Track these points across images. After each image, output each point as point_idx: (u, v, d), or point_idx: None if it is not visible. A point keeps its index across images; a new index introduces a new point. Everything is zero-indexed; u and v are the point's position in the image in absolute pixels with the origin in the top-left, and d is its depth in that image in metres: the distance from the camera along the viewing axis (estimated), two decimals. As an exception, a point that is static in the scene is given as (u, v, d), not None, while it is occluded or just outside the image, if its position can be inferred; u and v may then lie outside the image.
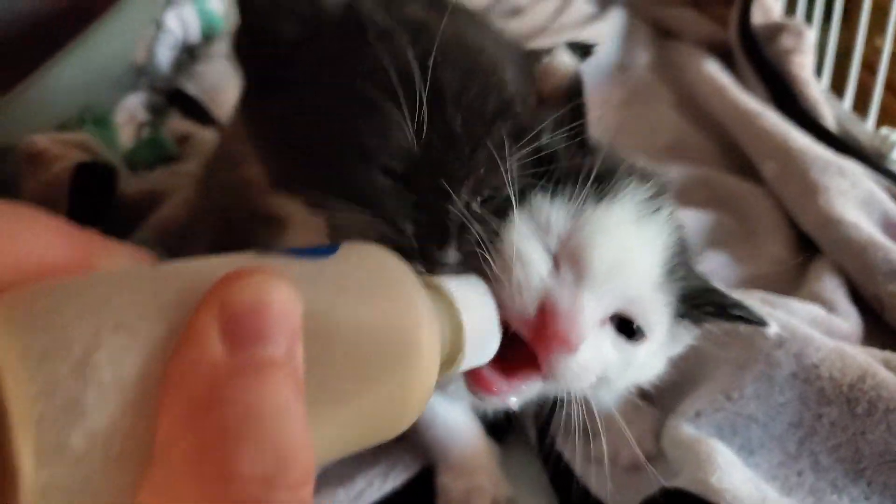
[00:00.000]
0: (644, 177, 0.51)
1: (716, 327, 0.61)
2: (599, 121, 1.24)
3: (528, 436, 0.64)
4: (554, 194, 0.47)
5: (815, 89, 1.10)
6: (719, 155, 1.09)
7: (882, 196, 0.86)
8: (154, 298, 0.28)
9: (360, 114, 0.41)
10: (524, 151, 0.45)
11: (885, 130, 0.99)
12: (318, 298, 0.30)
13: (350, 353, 0.31)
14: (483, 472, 0.59)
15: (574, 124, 0.49)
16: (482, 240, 0.43)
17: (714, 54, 1.25)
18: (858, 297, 0.77)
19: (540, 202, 0.47)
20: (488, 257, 0.44)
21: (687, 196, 0.99)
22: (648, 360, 0.50)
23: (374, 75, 0.41)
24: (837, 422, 0.55)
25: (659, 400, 0.64)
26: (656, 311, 0.47)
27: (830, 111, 1.07)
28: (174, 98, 1.14)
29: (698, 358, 0.63)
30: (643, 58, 1.35)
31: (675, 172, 1.02)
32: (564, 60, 0.52)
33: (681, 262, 0.49)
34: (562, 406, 0.64)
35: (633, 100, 1.29)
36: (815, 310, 0.70)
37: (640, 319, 0.47)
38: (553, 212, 0.46)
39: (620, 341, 0.47)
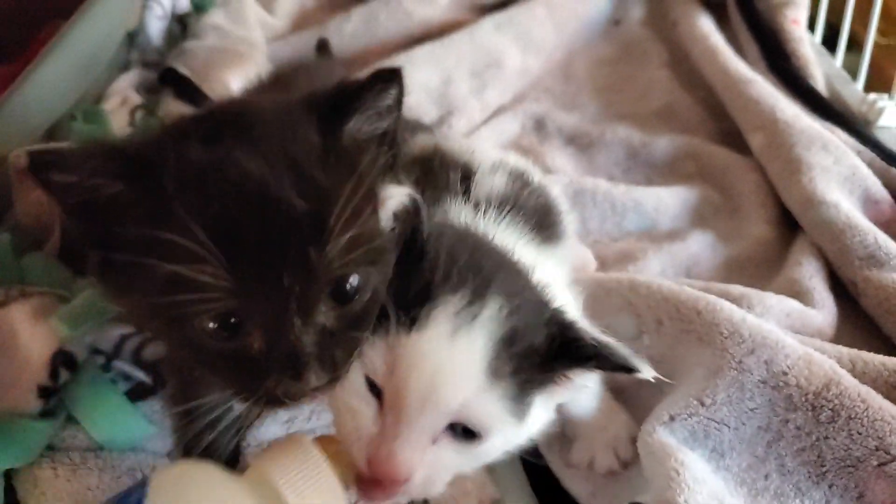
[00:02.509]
0: (461, 279, 0.48)
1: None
2: (591, 80, 1.25)
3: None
4: (375, 328, 0.47)
5: (808, 47, 1.09)
6: (709, 121, 1.09)
7: (864, 172, 0.87)
8: None
9: (169, 281, 0.39)
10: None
11: (873, 96, 0.99)
12: None
13: None
14: (468, 475, 0.63)
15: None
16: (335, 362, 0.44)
17: (708, 8, 1.23)
18: (837, 281, 0.79)
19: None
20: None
21: (674, 170, 1.00)
22: (509, 439, 0.50)
23: (166, 235, 0.39)
24: (803, 427, 0.58)
25: (640, 399, 0.67)
26: (488, 409, 0.47)
27: (821, 71, 1.07)
28: (165, 78, 1.14)
29: (675, 360, 0.66)
30: (637, 12, 1.33)
31: (663, 143, 1.03)
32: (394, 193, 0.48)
33: (517, 350, 0.48)
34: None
35: (625, 57, 1.28)
36: (790, 304, 0.72)
37: (471, 424, 0.47)
38: (373, 350, 0.47)
39: (462, 444, 0.48)
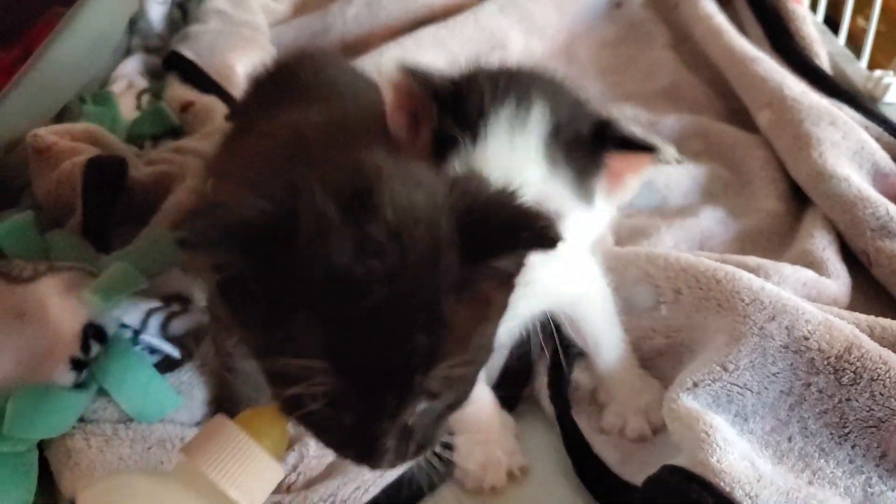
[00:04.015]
0: (505, 92, 0.55)
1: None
2: (595, 62, 1.25)
3: (542, 405, 0.68)
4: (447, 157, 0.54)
5: (811, 26, 1.10)
6: (715, 100, 1.10)
7: (873, 146, 0.88)
8: None
9: (279, 341, 0.42)
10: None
11: (878, 73, 1.00)
12: None
13: None
14: (498, 443, 0.64)
15: None
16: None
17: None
18: (848, 252, 0.81)
19: None
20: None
21: (682, 148, 1.00)
22: (582, 225, 0.57)
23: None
24: (825, 390, 0.59)
25: (659, 370, 0.69)
26: (556, 191, 0.54)
27: (825, 49, 1.08)
28: (171, 62, 1.14)
29: (693, 329, 0.67)
30: (638, -7, 1.34)
31: (671, 122, 1.04)
32: None
33: (563, 136, 0.55)
34: (571, 373, 0.69)
35: (628, 38, 1.29)
36: (805, 274, 0.73)
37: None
38: None
39: None
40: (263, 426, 0.46)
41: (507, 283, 0.47)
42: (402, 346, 0.41)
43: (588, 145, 0.56)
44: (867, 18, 1.12)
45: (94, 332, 0.61)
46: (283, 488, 0.62)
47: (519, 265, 0.47)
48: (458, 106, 0.55)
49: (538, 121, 0.54)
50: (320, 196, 0.42)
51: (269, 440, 0.45)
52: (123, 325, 0.65)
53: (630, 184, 0.60)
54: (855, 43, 1.11)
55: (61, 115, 0.94)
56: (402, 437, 0.45)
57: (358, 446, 0.45)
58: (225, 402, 0.66)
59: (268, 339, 0.43)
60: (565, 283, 0.61)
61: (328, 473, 0.64)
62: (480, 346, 0.46)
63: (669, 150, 0.56)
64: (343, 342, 0.40)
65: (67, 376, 0.60)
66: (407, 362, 0.41)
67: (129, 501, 0.41)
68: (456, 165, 0.53)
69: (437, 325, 0.41)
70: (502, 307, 0.48)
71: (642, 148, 0.57)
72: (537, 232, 0.43)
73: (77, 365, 0.60)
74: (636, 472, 0.59)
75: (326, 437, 0.46)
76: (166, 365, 0.66)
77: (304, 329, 0.40)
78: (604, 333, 0.67)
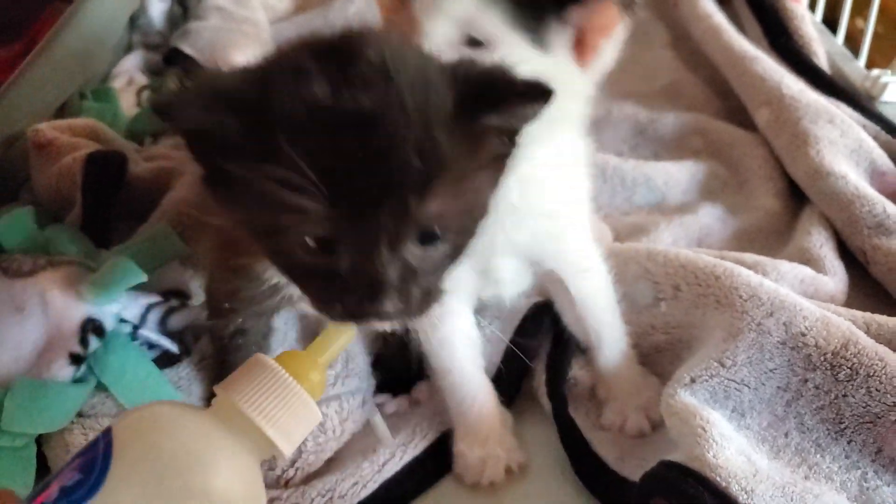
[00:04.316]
0: None
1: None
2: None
3: (540, 402, 0.68)
4: None
5: (810, 25, 1.11)
6: (714, 98, 1.10)
7: (870, 144, 0.88)
8: None
9: (274, 202, 0.42)
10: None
11: (876, 72, 1.01)
12: None
13: None
14: (497, 439, 0.64)
15: None
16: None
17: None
18: (845, 250, 0.81)
19: None
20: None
21: (681, 146, 1.02)
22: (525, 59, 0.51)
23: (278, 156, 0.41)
24: (822, 386, 0.59)
25: (658, 366, 0.69)
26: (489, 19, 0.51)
27: (823, 48, 1.08)
28: (171, 58, 1.14)
29: (692, 325, 0.68)
30: (637, -7, 1.34)
31: (670, 120, 1.04)
32: None
33: None
34: (569, 369, 0.69)
35: (628, 38, 1.28)
36: (803, 271, 0.74)
37: (474, 31, 0.51)
38: None
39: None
40: (302, 368, 0.44)
41: (499, 153, 0.48)
42: (394, 167, 0.41)
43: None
44: (866, 19, 1.12)
45: (92, 327, 0.61)
46: (280, 483, 0.62)
47: (511, 134, 0.48)
48: None
49: None
50: (297, 52, 0.45)
51: (308, 382, 0.43)
52: (122, 320, 0.65)
53: (602, 47, 0.53)
54: (853, 44, 1.12)
55: (62, 111, 0.94)
56: (405, 277, 0.44)
57: (359, 288, 0.43)
58: None
59: (258, 195, 0.42)
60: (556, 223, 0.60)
61: (326, 469, 0.64)
62: (476, 198, 0.47)
63: None
64: (333, 169, 0.41)
65: (66, 371, 0.60)
66: (401, 183, 0.42)
67: (163, 433, 0.39)
68: None
69: (431, 152, 0.42)
70: (495, 174, 0.48)
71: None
72: (528, 84, 0.44)
73: (76, 359, 0.60)
74: (635, 468, 0.59)
75: (328, 292, 0.45)
76: (165, 360, 0.66)
77: (293, 167, 0.40)
78: (605, 325, 0.67)
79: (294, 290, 0.55)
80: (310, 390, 0.43)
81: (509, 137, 0.48)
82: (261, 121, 0.42)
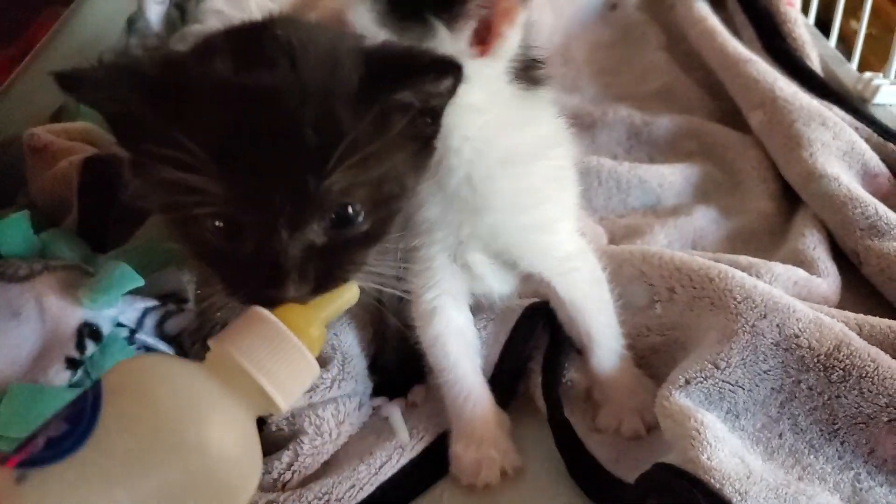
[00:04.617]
0: None
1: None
2: (589, 63, 1.26)
3: (537, 404, 0.68)
4: None
5: (803, 28, 1.11)
6: (708, 101, 1.11)
7: (863, 146, 0.89)
8: None
9: (173, 184, 0.42)
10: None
11: (868, 74, 1.01)
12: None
13: None
14: (493, 442, 0.64)
15: None
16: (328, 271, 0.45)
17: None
18: (838, 251, 0.81)
19: None
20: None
21: (676, 148, 1.02)
22: None
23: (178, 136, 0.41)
24: (815, 387, 0.60)
25: (653, 367, 0.69)
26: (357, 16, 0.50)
27: (816, 51, 1.09)
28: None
29: (686, 327, 0.68)
30: (633, -5, 1.35)
31: (664, 122, 1.05)
32: None
33: None
34: (565, 371, 0.70)
35: (623, 40, 1.30)
36: (797, 273, 0.74)
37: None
38: None
39: None
40: (301, 321, 0.43)
41: (421, 134, 0.49)
42: (290, 145, 0.41)
43: None
44: (859, 21, 1.13)
45: (89, 332, 0.61)
46: (277, 486, 0.63)
47: (433, 114, 0.48)
48: None
49: None
50: (215, 35, 0.46)
51: (307, 337, 0.42)
52: (119, 325, 0.65)
53: (507, 34, 0.52)
54: (846, 45, 1.13)
55: (58, 115, 0.94)
56: (308, 258, 0.43)
57: (262, 272, 0.43)
58: None
59: (161, 177, 0.42)
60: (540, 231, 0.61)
61: (323, 472, 0.65)
62: (389, 176, 0.47)
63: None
64: (229, 148, 0.41)
65: (63, 375, 0.60)
66: (298, 161, 0.41)
67: (156, 384, 0.38)
68: None
69: (330, 129, 0.42)
70: (416, 154, 0.49)
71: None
72: (435, 59, 0.45)
73: (72, 364, 0.60)
74: (630, 469, 0.60)
75: (235, 277, 0.45)
76: (162, 364, 0.66)
77: (185, 147, 0.40)
78: (596, 326, 0.67)
79: None
80: (308, 345, 0.42)
81: (432, 118, 0.49)
82: (165, 100, 0.42)
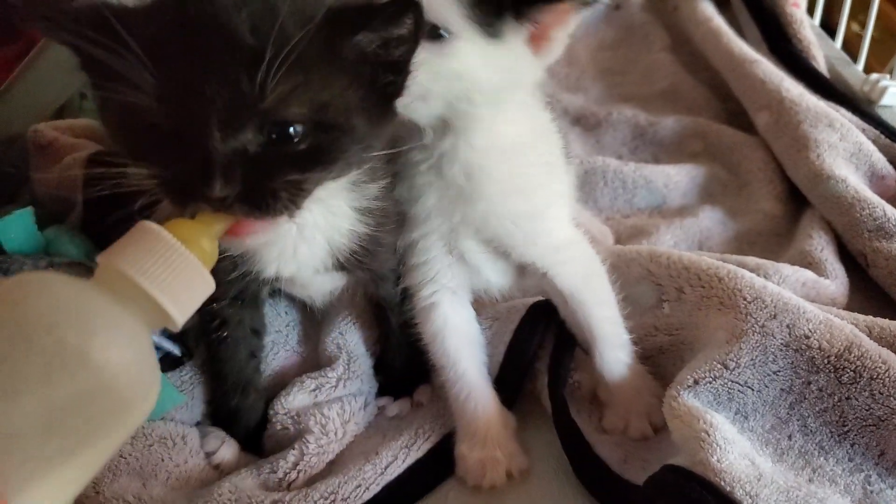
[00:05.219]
0: None
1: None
2: (594, 63, 1.26)
3: (543, 404, 0.68)
4: None
5: (809, 30, 1.11)
6: (713, 101, 1.10)
7: (870, 148, 0.89)
8: None
9: (111, 74, 0.43)
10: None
11: (875, 76, 1.01)
12: None
13: (46, 430, 0.33)
14: (498, 443, 0.64)
15: None
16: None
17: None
18: (846, 253, 0.81)
19: None
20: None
21: (681, 149, 1.02)
22: (485, 63, 0.55)
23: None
24: (825, 388, 0.60)
25: (660, 367, 0.69)
26: (446, 6, 0.52)
27: (822, 53, 1.09)
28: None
29: (694, 327, 0.68)
30: (637, -4, 1.35)
31: (670, 122, 1.05)
32: None
33: None
34: (571, 374, 0.69)
35: (627, 41, 1.29)
36: (805, 274, 0.74)
37: (435, 20, 0.52)
38: None
39: (431, 45, 0.52)
40: (192, 234, 0.42)
41: (382, 83, 0.50)
42: (225, 40, 0.43)
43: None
44: (861, 24, 1.13)
45: (94, 329, 0.61)
46: (283, 485, 0.62)
47: (394, 68, 0.50)
48: None
49: None
50: None
51: (199, 249, 0.42)
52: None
53: (558, 37, 0.57)
54: (849, 48, 1.12)
55: (62, 111, 0.93)
56: (240, 160, 0.44)
57: (191, 165, 0.43)
58: (218, 393, 0.67)
59: (109, 73, 0.43)
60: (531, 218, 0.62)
61: (328, 471, 0.64)
62: (336, 104, 0.47)
63: None
64: (167, 41, 0.43)
65: (68, 372, 0.59)
66: (231, 58, 0.43)
67: (31, 294, 0.36)
68: None
69: (268, 32, 0.43)
70: (372, 102, 0.50)
71: None
72: (392, 1, 0.47)
73: (78, 360, 0.60)
74: (638, 471, 0.59)
75: (169, 174, 0.45)
76: (168, 363, 0.66)
77: (130, 35, 0.42)
78: (597, 320, 0.66)
79: (258, 265, 0.58)
80: (200, 257, 0.41)
81: (394, 72, 0.50)
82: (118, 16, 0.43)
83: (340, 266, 0.61)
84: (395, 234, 0.64)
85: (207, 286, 0.42)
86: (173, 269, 0.40)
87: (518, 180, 0.62)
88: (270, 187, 0.45)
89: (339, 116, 0.48)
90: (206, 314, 0.64)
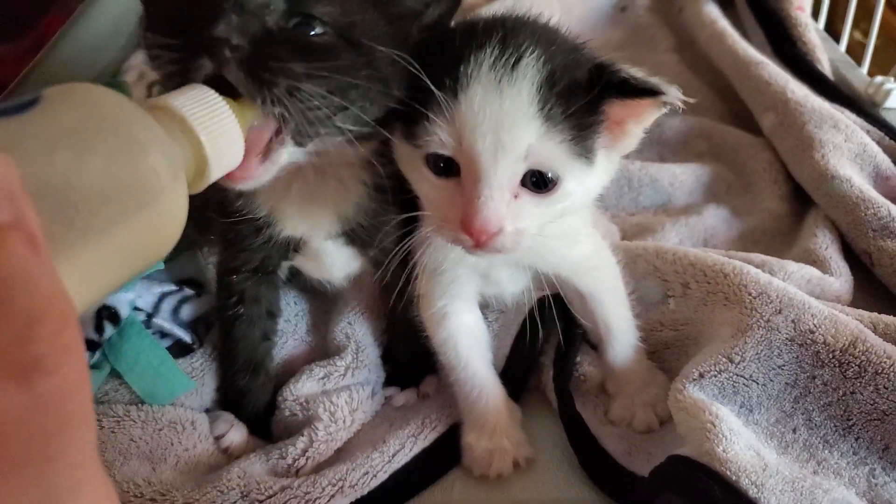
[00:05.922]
0: (485, 36, 0.52)
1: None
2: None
3: (548, 398, 0.69)
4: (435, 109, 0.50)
5: (813, 32, 1.12)
6: (718, 103, 1.11)
7: (874, 149, 0.89)
8: None
9: None
10: None
11: (879, 78, 1.02)
12: (33, 157, 0.31)
13: (89, 200, 0.32)
14: (505, 433, 0.64)
15: None
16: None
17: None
18: (850, 252, 0.82)
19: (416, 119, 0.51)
20: None
21: (687, 149, 1.02)
22: (583, 183, 0.54)
23: None
24: (830, 382, 0.60)
25: (666, 362, 0.69)
26: (553, 150, 0.50)
27: (826, 56, 1.09)
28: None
29: (700, 322, 0.68)
30: (643, -1, 1.36)
31: (675, 123, 1.05)
32: None
33: (561, 89, 0.50)
34: (577, 367, 0.70)
35: (633, 42, 1.30)
36: (809, 271, 0.74)
37: (542, 166, 0.51)
38: (439, 129, 0.50)
39: (540, 195, 0.52)
40: (237, 110, 0.44)
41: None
42: None
43: (586, 93, 0.51)
44: (863, 32, 1.14)
45: (107, 314, 0.62)
46: (291, 472, 0.63)
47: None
48: (428, 55, 0.52)
49: (529, 67, 0.50)
50: None
51: (242, 118, 0.44)
52: (136, 308, 0.65)
53: (633, 132, 0.55)
54: (852, 56, 1.13)
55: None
56: (253, 21, 0.45)
57: (201, 13, 0.44)
58: (229, 373, 0.67)
59: None
60: (567, 245, 0.62)
61: (336, 458, 0.65)
62: (366, 26, 0.49)
63: (674, 91, 0.51)
64: None
65: (81, 356, 0.60)
66: None
67: (102, 93, 0.36)
68: (436, 125, 0.50)
69: None
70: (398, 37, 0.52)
71: (645, 91, 0.51)
72: None
73: (91, 346, 0.61)
74: (643, 462, 0.60)
75: (173, 18, 0.46)
76: (178, 350, 0.66)
77: None
78: (615, 318, 0.67)
79: (278, 228, 0.59)
80: (242, 125, 0.43)
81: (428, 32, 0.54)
82: None
83: (349, 237, 0.62)
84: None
85: (239, 154, 0.44)
86: (220, 123, 0.42)
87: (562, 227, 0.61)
88: (273, 66, 0.45)
89: (364, 37, 0.49)
90: (225, 288, 0.65)
